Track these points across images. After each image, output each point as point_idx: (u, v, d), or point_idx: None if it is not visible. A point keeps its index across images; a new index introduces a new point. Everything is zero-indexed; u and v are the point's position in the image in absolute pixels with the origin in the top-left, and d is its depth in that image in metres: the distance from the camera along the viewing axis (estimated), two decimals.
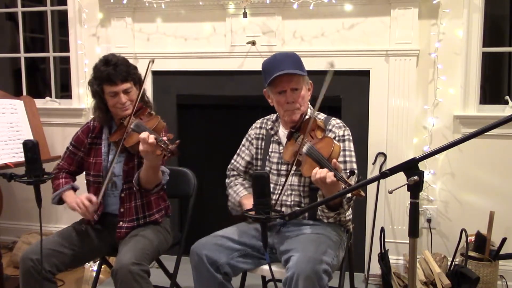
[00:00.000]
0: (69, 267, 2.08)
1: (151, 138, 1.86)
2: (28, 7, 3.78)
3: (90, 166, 2.19)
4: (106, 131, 2.20)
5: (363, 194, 1.65)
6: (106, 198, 2.17)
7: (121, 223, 2.13)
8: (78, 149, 2.23)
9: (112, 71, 2.04)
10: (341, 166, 1.89)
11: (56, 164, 2.26)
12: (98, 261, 2.38)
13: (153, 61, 2.04)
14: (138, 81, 2.16)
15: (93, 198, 2.05)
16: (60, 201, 2.16)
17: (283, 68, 1.91)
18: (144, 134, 1.87)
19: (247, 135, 2.22)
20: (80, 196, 2.07)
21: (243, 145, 2.21)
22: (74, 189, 2.20)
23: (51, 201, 2.17)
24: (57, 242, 2.04)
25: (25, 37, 3.66)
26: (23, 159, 1.71)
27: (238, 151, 2.22)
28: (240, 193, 2.09)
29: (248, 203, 1.98)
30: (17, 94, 3.39)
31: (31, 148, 1.68)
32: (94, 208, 2.06)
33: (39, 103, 3.32)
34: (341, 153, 1.94)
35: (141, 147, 1.89)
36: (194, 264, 1.90)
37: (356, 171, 1.90)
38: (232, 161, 2.23)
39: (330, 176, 1.69)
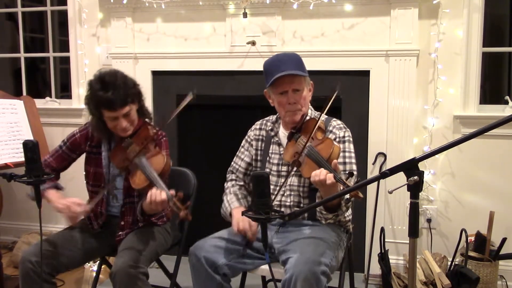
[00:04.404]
0: (68, 268, 2.07)
1: (163, 196, 1.80)
2: (28, 7, 3.78)
3: (90, 175, 2.16)
4: (105, 143, 2.14)
5: (361, 196, 1.64)
6: (107, 207, 2.16)
7: (120, 232, 2.12)
8: (73, 151, 2.17)
9: (111, 97, 1.93)
10: (341, 167, 1.89)
11: (43, 160, 2.10)
12: (98, 261, 2.38)
13: (193, 96, 1.96)
14: (138, 96, 2.09)
15: (84, 205, 1.98)
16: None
17: (285, 69, 1.91)
18: (156, 193, 1.81)
19: (246, 137, 2.21)
20: (68, 199, 1.98)
21: (243, 147, 2.21)
22: (58, 188, 2.10)
23: (28, 194, 2.00)
24: (56, 244, 2.02)
25: (25, 37, 3.66)
26: (23, 159, 1.70)
27: (237, 153, 2.22)
28: (232, 204, 2.07)
29: (237, 215, 1.97)
30: (17, 94, 3.39)
31: (31, 148, 1.67)
32: (81, 216, 2.01)
33: (39, 103, 3.32)
34: (341, 154, 1.94)
35: (150, 205, 1.85)
36: (193, 265, 1.90)
37: (355, 173, 1.90)
38: (232, 163, 2.22)
39: (330, 177, 1.69)
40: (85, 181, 2.22)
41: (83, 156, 2.21)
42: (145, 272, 1.91)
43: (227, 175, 2.23)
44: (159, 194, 1.82)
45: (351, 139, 2.02)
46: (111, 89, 1.94)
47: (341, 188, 1.70)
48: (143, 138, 2.06)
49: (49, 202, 2.03)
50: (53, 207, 2.00)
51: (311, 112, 2.08)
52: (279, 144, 2.09)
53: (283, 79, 1.92)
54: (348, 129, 2.04)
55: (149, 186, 1.89)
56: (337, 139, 1.99)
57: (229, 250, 1.91)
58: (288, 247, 1.85)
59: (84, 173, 2.20)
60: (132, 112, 2.04)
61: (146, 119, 2.17)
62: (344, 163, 1.96)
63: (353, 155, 1.99)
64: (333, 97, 1.86)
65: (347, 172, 1.88)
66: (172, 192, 1.83)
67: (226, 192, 2.16)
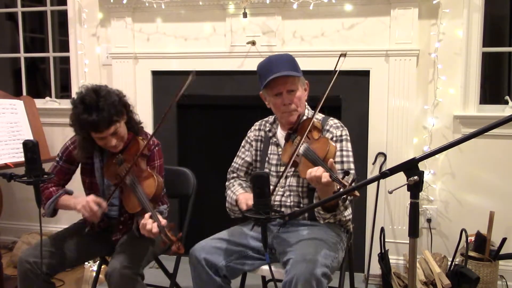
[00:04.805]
0: (67, 268, 2.08)
1: (154, 230, 1.79)
2: (28, 7, 3.78)
3: (86, 185, 2.16)
4: (97, 154, 2.11)
5: (358, 194, 1.64)
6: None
7: (118, 234, 2.12)
8: (71, 163, 2.16)
9: (95, 119, 1.86)
10: (338, 166, 1.89)
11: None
12: (98, 261, 2.38)
13: (194, 74, 1.89)
14: (125, 109, 2.03)
15: (103, 203, 1.97)
16: (54, 212, 2.09)
17: (278, 70, 1.91)
18: (148, 223, 1.79)
19: (246, 137, 2.21)
20: (87, 198, 1.98)
21: (243, 147, 2.21)
22: (69, 193, 2.13)
23: (45, 213, 2.07)
24: (54, 244, 2.02)
25: (25, 37, 3.66)
26: (23, 159, 1.70)
27: (238, 153, 2.22)
28: (237, 192, 2.07)
29: (243, 197, 1.97)
30: (17, 94, 3.39)
31: (31, 148, 1.67)
32: (101, 214, 1.99)
33: (39, 103, 3.32)
34: (338, 153, 1.94)
35: (142, 231, 1.83)
36: (193, 267, 1.89)
37: (351, 171, 1.90)
38: (232, 163, 2.22)
39: (325, 176, 1.68)
40: (83, 189, 2.21)
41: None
42: (140, 273, 1.91)
43: (228, 176, 2.23)
44: (150, 224, 1.80)
45: (348, 138, 2.01)
46: (94, 111, 1.87)
47: (338, 187, 1.70)
48: (133, 154, 2.02)
49: (67, 207, 2.04)
50: (72, 209, 2.02)
51: (308, 112, 2.07)
52: (277, 145, 2.08)
53: (276, 81, 1.92)
54: (345, 128, 2.04)
55: (142, 211, 1.89)
56: (334, 138, 1.98)
57: (229, 251, 1.91)
58: (288, 248, 1.85)
59: (82, 182, 2.19)
60: (120, 129, 1.99)
61: (139, 126, 2.15)
62: (342, 162, 1.96)
63: (350, 153, 1.99)
64: (330, 86, 1.86)
65: (343, 171, 1.87)
66: (164, 222, 1.82)
67: (229, 186, 2.16)
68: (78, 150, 2.06)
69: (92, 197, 1.98)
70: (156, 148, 2.15)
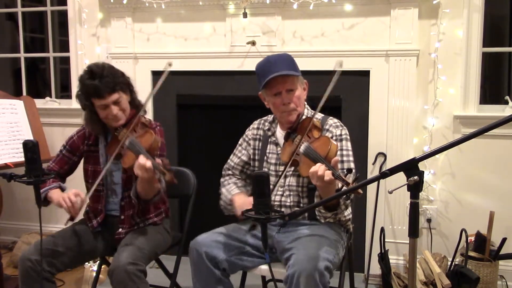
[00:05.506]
0: (68, 267, 2.08)
1: (148, 164, 1.84)
2: (28, 7, 3.78)
3: (88, 173, 2.17)
4: (102, 140, 2.16)
5: (361, 192, 1.64)
6: (106, 204, 2.17)
7: (120, 229, 2.13)
8: (73, 154, 2.20)
9: (98, 84, 1.98)
10: (339, 165, 1.89)
11: (46, 166, 2.18)
12: (98, 261, 2.38)
13: (170, 65, 2.06)
14: (127, 87, 2.13)
15: (82, 194, 2.00)
16: (45, 201, 2.09)
17: (276, 70, 1.91)
18: (141, 160, 1.85)
19: (244, 136, 2.21)
20: (68, 192, 2.02)
21: (240, 145, 2.21)
22: (62, 188, 2.14)
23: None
24: (56, 242, 2.03)
25: (25, 37, 3.66)
26: (23, 159, 1.70)
27: (234, 151, 2.22)
28: (232, 191, 2.08)
29: (239, 200, 1.98)
30: (17, 94, 3.39)
31: (31, 148, 1.67)
32: (81, 205, 2.00)
33: (39, 103, 3.32)
34: (338, 152, 1.94)
35: (137, 171, 1.87)
36: (193, 259, 1.90)
37: (353, 169, 1.90)
38: (228, 160, 2.22)
39: (328, 174, 1.68)
40: (84, 181, 2.22)
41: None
42: (143, 269, 1.92)
43: (223, 172, 2.23)
44: (144, 160, 1.85)
45: (348, 137, 2.01)
46: (98, 77, 1.99)
47: (339, 185, 1.70)
48: (135, 125, 2.08)
49: (52, 201, 2.06)
50: (55, 204, 2.03)
51: (307, 112, 2.07)
52: (277, 144, 2.08)
53: (275, 80, 1.92)
54: (345, 127, 2.04)
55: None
56: (334, 138, 1.98)
57: (229, 246, 1.92)
58: (290, 245, 1.85)
59: (83, 172, 2.20)
60: (122, 100, 2.06)
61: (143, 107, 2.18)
62: (342, 161, 1.96)
63: (350, 153, 1.99)
64: (331, 85, 1.86)
65: (345, 170, 1.87)
66: (158, 160, 1.88)
67: (224, 184, 2.16)
68: (89, 125, 2.12)
69: (73, 190, 2.02)
70: (158, 127, 2.19)
